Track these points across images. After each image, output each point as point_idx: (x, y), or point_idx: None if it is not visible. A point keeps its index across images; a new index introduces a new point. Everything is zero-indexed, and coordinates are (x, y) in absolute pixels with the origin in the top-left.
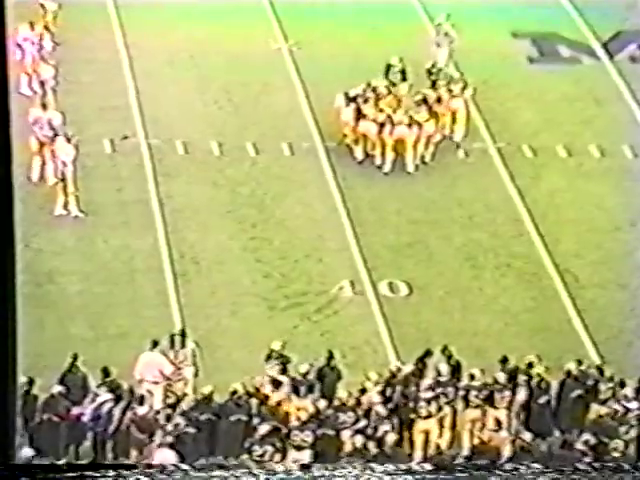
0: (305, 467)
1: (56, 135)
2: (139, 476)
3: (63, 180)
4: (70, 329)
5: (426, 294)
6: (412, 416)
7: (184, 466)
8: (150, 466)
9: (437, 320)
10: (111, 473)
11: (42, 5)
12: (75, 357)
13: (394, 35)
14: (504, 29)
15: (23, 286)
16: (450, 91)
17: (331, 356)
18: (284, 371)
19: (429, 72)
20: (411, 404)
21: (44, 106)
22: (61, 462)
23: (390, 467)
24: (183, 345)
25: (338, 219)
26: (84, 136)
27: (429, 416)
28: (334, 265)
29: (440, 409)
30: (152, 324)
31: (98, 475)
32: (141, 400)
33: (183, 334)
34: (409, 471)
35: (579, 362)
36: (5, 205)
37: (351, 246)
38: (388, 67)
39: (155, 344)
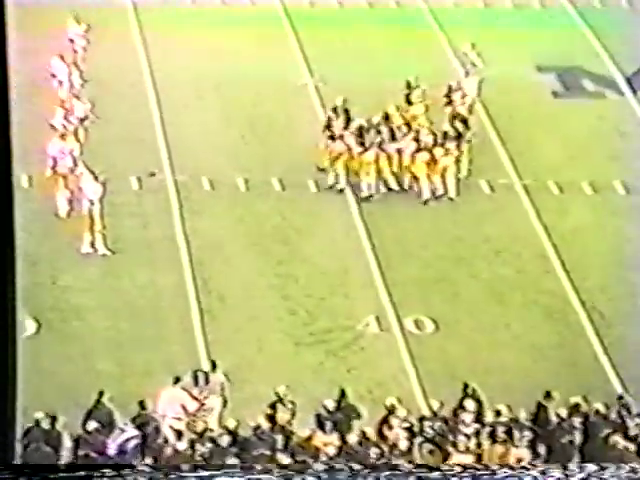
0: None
1: (76, 165)
2: (139, 476)
3: (90, 218)
4: (96, 365)
5: (452, 330)
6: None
7: (184, 467)
8: (150, 466)
9: (463, 356)
10: (111, 473)
11: (71, 40)
12: (101, 393)
13: (422, 69)
14: (529, 62)
15: (50, 322)
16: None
17: (343, 394)
18: (293, 415)
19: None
20: (446, 439)
21: (63, 136)
22: (61, 462)
23: None
24: (207, 381)
25: (364, 255)
26: (111, 173)
27: (466, 450)
28: (360, 301)
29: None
30: (178, 360)
31: (98, 475)
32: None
33: (214, 366)
34: None
35: (606, 405)
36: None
37: (377, 282)
38: (409, 85)
39: (177, 380)
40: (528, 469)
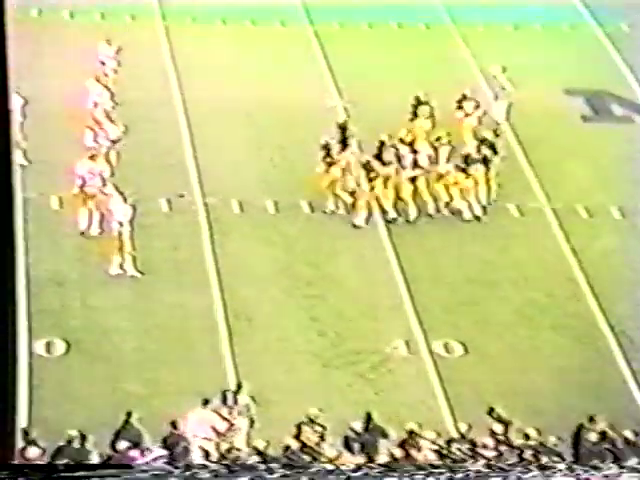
0: None
1: (104, 186)
2: (139, 476)
3: (119, 240)
4: (125, 385)
5: (481, 354)
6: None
7: (185, 467)
8: (151, 467)
9: (493, 380)
10: (111, 473)
11: (102, 62)
12: (129, 414)
13: (451, 91)
14: (558, 86)
15: (79, 343)
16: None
17: (370, 416)
18: (322, 438)
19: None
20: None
21: (93, 157)
22: (61, 462)
23: None
24: (236, 401)
25: (393, 277)
26: (140, 195)
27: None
28: (389, 324)
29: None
30: (206, 381)
31: (98, 475)
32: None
33: (239, 387)
34: None
35: (635, 432)
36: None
37: (406, 305)
38: (418, 100)
39: (206, 402)
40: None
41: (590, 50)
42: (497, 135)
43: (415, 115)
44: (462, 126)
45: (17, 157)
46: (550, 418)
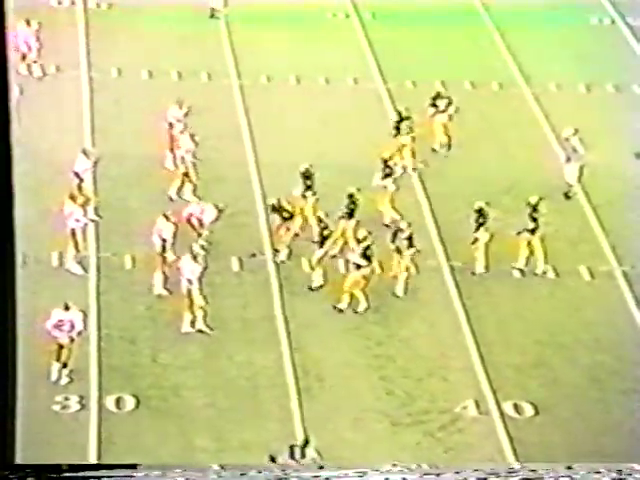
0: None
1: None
2: (139, 476)
3: (189, 297)
4: (194, 441)
5: (552, 415)
6: None
7: (184, 467)
8: (150, 467)
9: (562, 441)
10: (111, 473)
11: (171, 124)
12: None
13: (523, 155)
14: (628, 149)
15: (149, 399)
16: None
17: None
18: None
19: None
20: None
21: (168, 218)
22: (61, 462)
23: None
24: (303, 456)
25: (463, 338)
26: (212, 254)
27: None
28: (458, 384)
29: None
30: (275, 438)
31: (98, 475)
32: None
33: (306, 443)
34: None
35: None
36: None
37: (476, 365)
38: (400, 115)
39: (273, 459)
40: None
41: None
42: (568, 197)
43: (398, 130)
44: (434, 122)
45: (90, 214)
46: None
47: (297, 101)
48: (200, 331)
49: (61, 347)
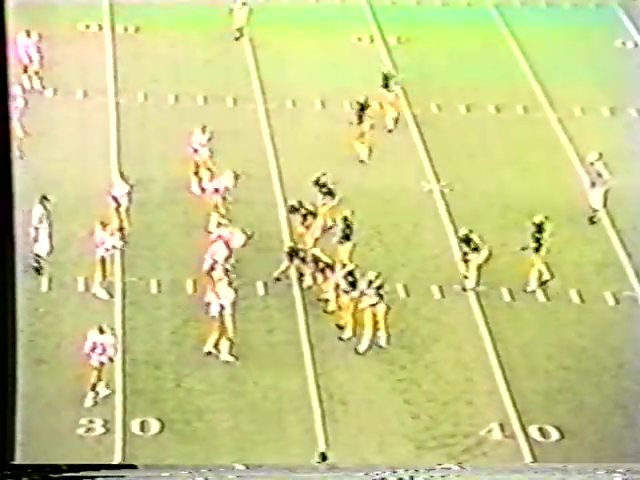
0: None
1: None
2: (139, 476)
3: (221, 322)
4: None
5: (577, 439)
6: None
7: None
8: (151, 466)
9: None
10: (111, 473)
11: (195, 150)
12: None
13: (547, 179)
14: None
15: (173, 423)
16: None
17: None
18: None
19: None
20: None
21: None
22: (61, 462)
23: None
24: None
25: (488, 362)
26: (238, 279)
27: None
28: (483, 408)
29: None
30: (299, 461)
31: (98, 475)
32: None
33: (324, 458)
34: None
35: None
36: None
37: (501, 389)
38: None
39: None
40: None
41: None
42: (593, 222)
43: (360, 119)
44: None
45: (115, 241)
46: None
47: (322, 125)
48: (226, 362)
49: (95, 370)
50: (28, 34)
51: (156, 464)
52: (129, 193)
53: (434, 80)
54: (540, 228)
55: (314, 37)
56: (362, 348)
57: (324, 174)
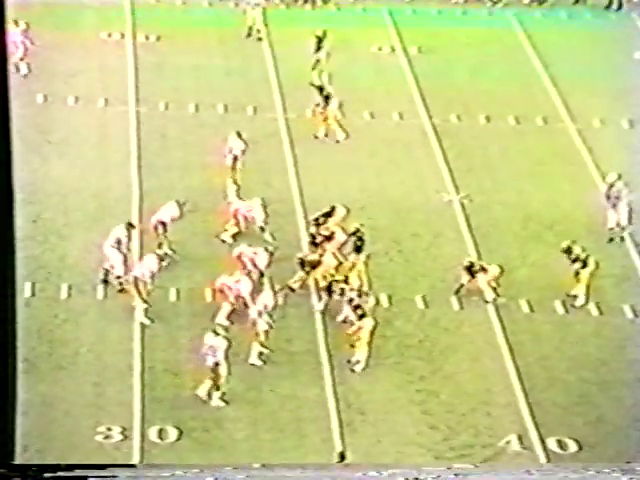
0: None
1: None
2: (139, 476)
3: (254, 329)
4: None
5: (596, 452)
6: None
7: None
8: (150, 466)
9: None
10: (111, 473)
11: (235, 157)
12: None
13: (567, 190)
14: None
15: (191, 431)
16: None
17: None
18: None
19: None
20: None
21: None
22: (61, 462)
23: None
24: None
25: (506, 374)
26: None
27: None
28: (502, 419)
29: None
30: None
31: (98, 475)
32: None
33: (342, 458)
34: None
35: None
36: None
37: (519, 401)
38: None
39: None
40: None
41: None
42: (612, 240)
43: (327, 101)
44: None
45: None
46: None
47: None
48: (252, 364)
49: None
50: (16, 23)
51: (156, 464)
52: (178, 219)
53: (454, 90)
54: (570, 250)
55: (334, 46)
56: (358, 368)
57: (362, 225)
